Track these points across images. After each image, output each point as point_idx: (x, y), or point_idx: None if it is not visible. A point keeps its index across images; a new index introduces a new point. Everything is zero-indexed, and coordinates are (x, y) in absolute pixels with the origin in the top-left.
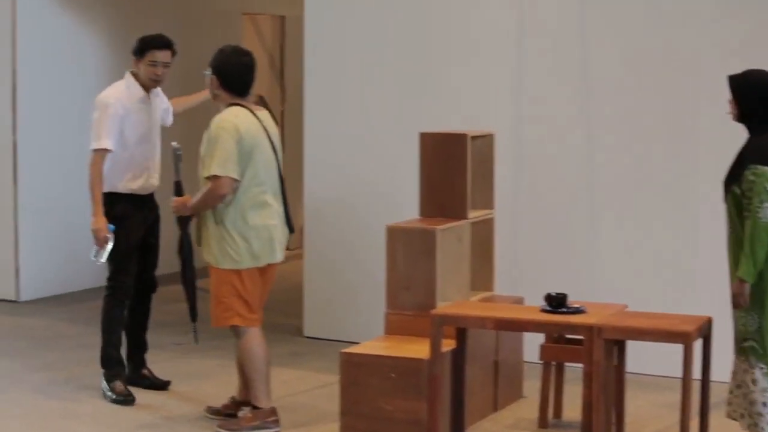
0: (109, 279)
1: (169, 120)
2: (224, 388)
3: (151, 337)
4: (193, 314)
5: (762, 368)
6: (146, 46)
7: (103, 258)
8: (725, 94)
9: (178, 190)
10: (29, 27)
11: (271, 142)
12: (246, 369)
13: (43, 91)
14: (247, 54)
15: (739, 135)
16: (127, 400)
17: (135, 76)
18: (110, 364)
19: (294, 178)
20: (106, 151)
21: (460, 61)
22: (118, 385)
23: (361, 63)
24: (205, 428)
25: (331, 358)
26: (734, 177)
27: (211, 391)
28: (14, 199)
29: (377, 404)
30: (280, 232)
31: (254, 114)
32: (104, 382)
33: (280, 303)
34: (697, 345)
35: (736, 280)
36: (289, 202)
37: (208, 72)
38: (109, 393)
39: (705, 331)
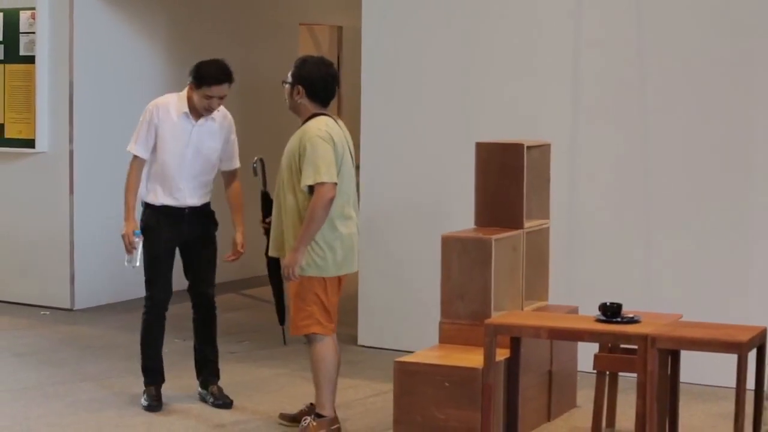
0: (146, 290)
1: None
2: (279, 397)
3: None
4: (281, 317)
5: None
6: (204, 79)
7: (136, 263)
8: None
9: (264, 200)
10: (86, 37)
11: (351, 154)
12: (316, 376)
13: (99, 101)
14: (331, 65)
15: None
16: (150, 405)
17: (189, 96)
18: (145, 373)
19: None
20: (135, 157)
21: (517, 72)
22: (151, 390)
23: (417, 73)
24: None
25: (385, 367)
26: None
27: (264, 400)
28: (70, 207)
29: (431, 413)
30: (357, 243)
31: (338, 125)
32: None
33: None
34: (752, 355)
35: None
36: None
37: (289, 81)
38: (142, 399)
39: (759, 341)
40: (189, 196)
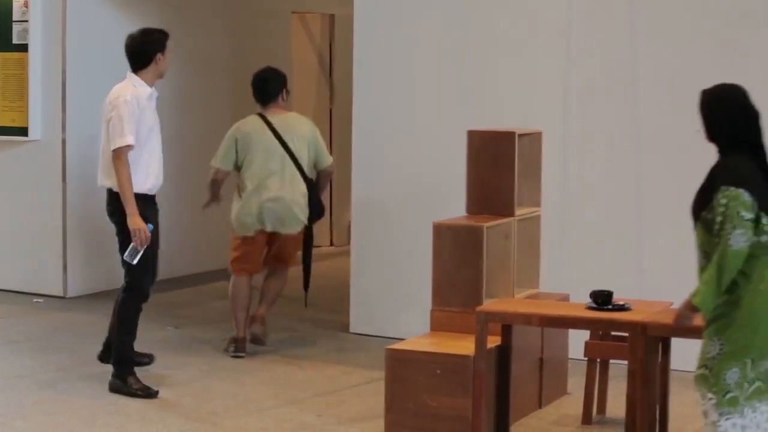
0: (134, 281)
1: None
2: (270, 383)
3: (197, 332)
4: (306, 283)
5: (711, 399)
6: (165, 37)
7: (137, 259)
8: None
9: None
10: (79, 25)
11: (278, 142)
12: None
13: (92, 90)
14: (263, 70)
15: None
16: (151, 392)
17: (140, 74)
18: (128, 364)
19: (342, 175)
20: (129, 147)
21: (508, 59)
22: (132, 379)
23: (409, 61)
24: (249, 424)
25: (377, 355)
26: (704, 202)
27: (256, 387)
28: (63, 195)
29: (422, 400)
30: (282, 208)
31: (266, 120)
32: (116, 381)
33: (327, 300)
34: None
35: (689, 303)
36: None
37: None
38: (125, 389)
39: None
40: (162, 177)
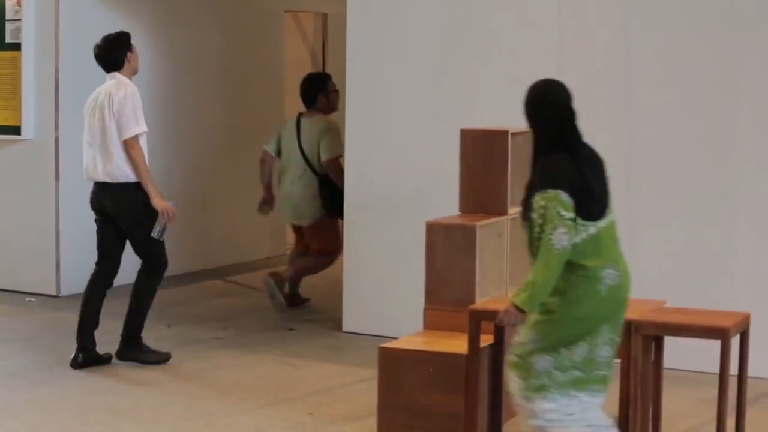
0: (158, 257)
1: None
2: (264, 382)
3: (192, 331)
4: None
5: (520, 384)
6: (128, 36)
7: (165, 234)
8: (765, 93)
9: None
10: (72, 24)
11: (294, 141)
12: None
13: (85, 88)
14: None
15: None
16: (163, 356)
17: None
18: (140, 339)
19: None
20: (143, 134)
21: (501, 58)
22: (160, 353)
23: (402, 60)
24: (242, 422)
25: (370, 353)
26: (530, 203)
27: (250, 385)
28: (56, 194)
29: (415, 399)
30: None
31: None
32: (139, 353)
33: (320, 298)
34: (735, 341)
35: (513, 304)
36: None
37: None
38: (148, 360)
39: (743, 326)
40: None
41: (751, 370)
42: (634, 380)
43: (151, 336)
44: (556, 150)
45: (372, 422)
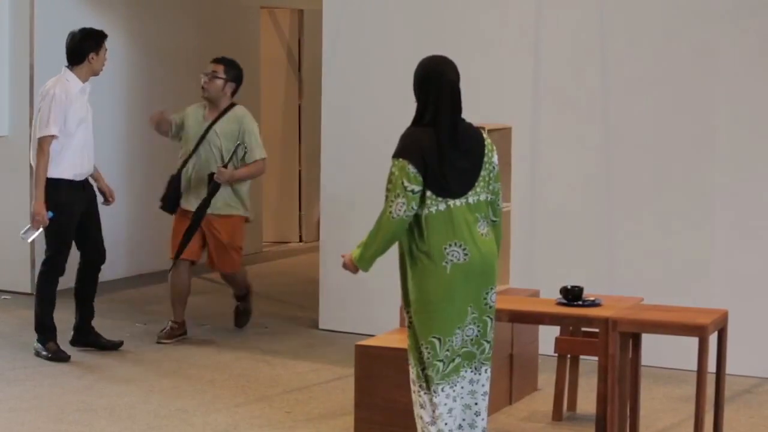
0: (50, 258)
1: None
2: (239, 380)
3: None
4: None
5: (412, 370)
6: (102, 38)
7: (31, 239)
8: (742, 90)
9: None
10: (47, 20)
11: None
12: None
13: None
14: None
15: (756, 130)
16: (62, 356)
17: (74, 70)
18: (45, 330)
19: (311, 172)
20: (53, 137)
21: (478, 55)
22: (52, 345)
23: (379, 57)
24: (218, 420)
25: (347, 351)
26: None
27: (226, 384)
28: (30, 191)
29: (392, 396)
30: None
31: None
32: (38, 344)
33: (297, 296)
34: (713, 338)
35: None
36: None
37: (222, 76)
38: (44, 353)
39: (720, 324)
40: (92, 162)
41: (729, 368)
42: (612, 378)
43: (126, 334)
44: (423, 123)
45: (349, 420)
